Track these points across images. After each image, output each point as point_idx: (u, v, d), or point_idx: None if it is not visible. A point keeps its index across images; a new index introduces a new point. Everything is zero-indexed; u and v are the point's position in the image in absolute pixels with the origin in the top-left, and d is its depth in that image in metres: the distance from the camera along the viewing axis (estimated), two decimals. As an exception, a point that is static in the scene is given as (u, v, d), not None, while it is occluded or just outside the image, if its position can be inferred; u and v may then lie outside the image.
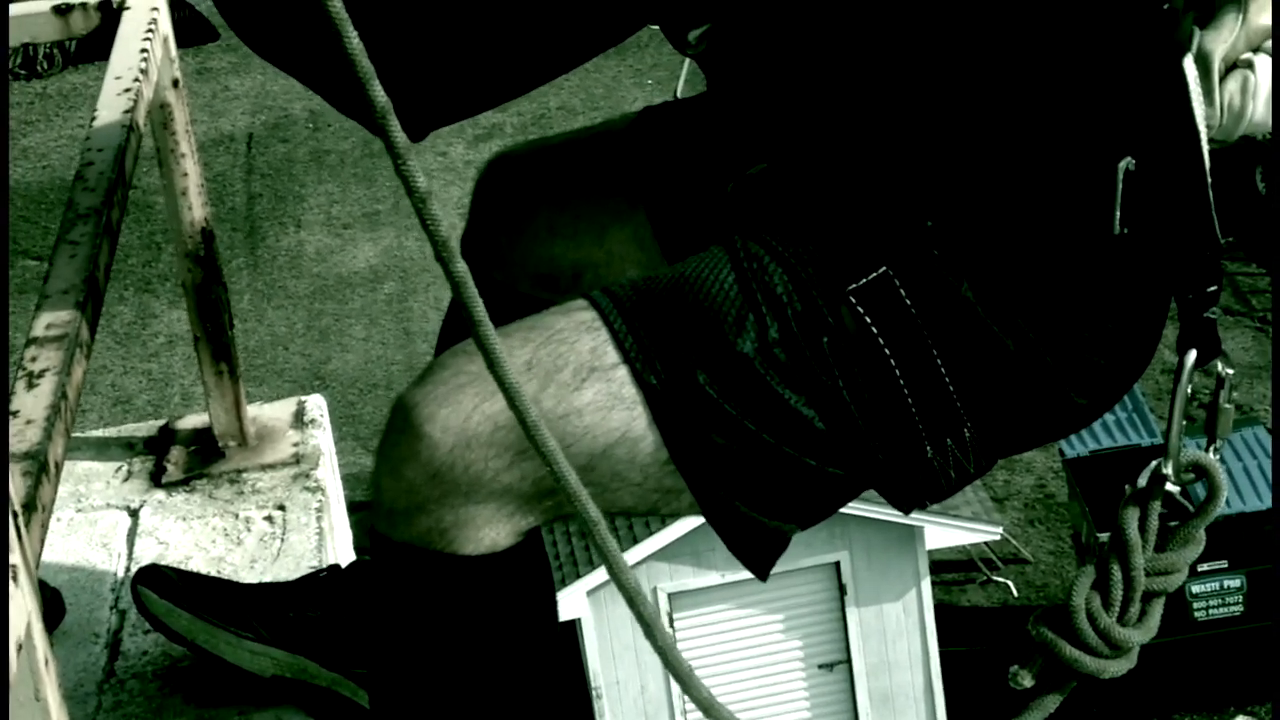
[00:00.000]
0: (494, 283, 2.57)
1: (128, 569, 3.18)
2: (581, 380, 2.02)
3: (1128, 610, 2.11)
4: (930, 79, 2.03)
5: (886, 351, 2.02)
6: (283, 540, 3.24)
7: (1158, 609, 2.13)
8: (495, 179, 2.58)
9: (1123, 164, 2.04)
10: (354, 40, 1.67)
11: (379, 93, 1.68)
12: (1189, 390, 2.13)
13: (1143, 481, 2.14)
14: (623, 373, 2.03)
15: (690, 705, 13.50)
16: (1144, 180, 2.05)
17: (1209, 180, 2.08)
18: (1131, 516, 2.13)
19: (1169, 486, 2.13)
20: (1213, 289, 2.12)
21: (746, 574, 2.25)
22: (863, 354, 2.02)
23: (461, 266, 1.76)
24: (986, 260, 2.03)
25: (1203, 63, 2.11)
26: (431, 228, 1.74)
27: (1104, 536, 4.98)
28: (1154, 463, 2.13)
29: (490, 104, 2.07)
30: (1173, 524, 2.14)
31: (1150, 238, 2.07)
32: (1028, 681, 2.13)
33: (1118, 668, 2.11)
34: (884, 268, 2.03)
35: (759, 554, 2.11)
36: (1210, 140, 2.12)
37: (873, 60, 2.04)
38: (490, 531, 2.06)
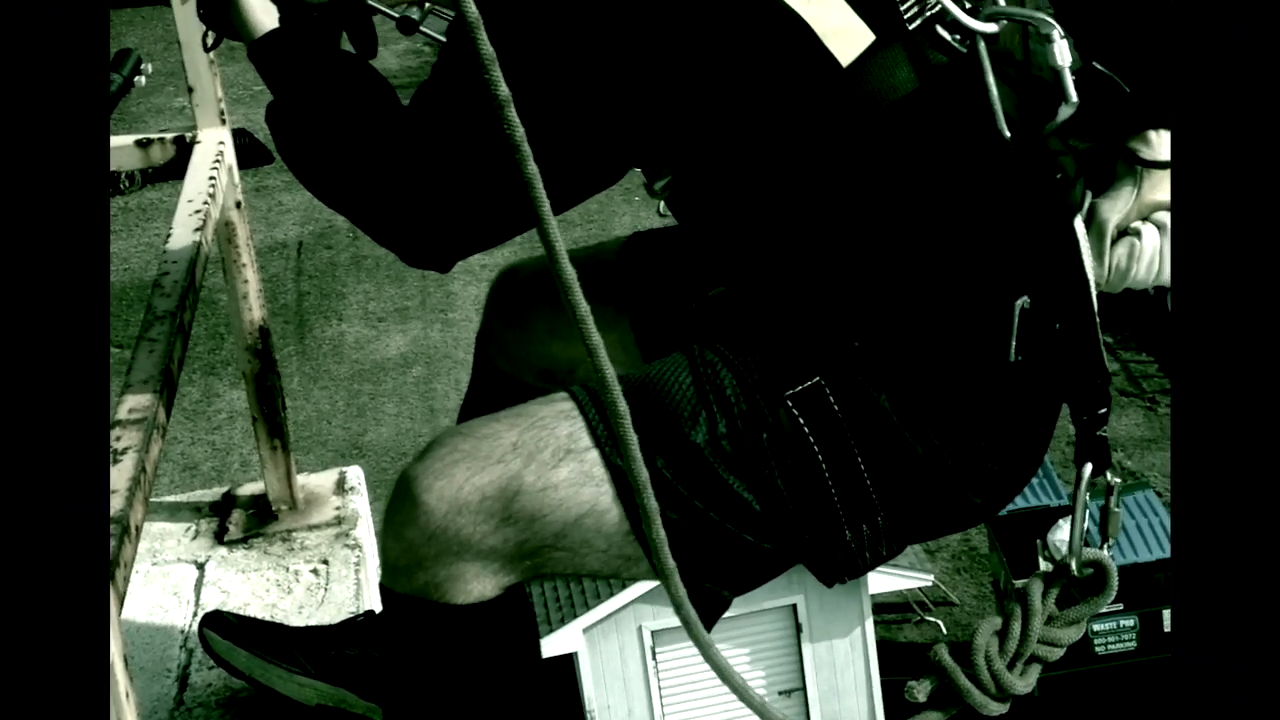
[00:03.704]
0: (501, 373, 2.59)
1: (195, 614, 3.19)
2: (559, 460, 2.03)
3: (1016, 663, 2.12)
4: (853, 230, 2.03)
5: (815, 448, 2.03)
6: (326, 590, 3.24)
7: (1035, 673, 2.13)
8: (506, 287, 2.60)
9: (1019, 302, 2.04)
10: (502, 88, 1.83)
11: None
12: (1087, 497, 2.12)
13: (1051, 566, 2.14)
14: (594, 455, 2.04)
15: (670, 726, 13.47)
16: (1037, 317, 2.05)
17: (1097, 321, 2.07)
18: (1038, 588, 2.14)
19: (1070, 574, 2.13)
20: (1103, 411, 2.11)
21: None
22: (796, 449, 2.03)
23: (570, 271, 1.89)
24: (902, 377, 2.04)
25: (1098, 229, 2.10)
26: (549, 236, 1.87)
27: (1020, 583, 4.99)
28: (1063, 555, 2.13)
29: (506, 238, 2.09)
30: (1059, 597, 2.14)
31: (1042, 366, 2.07)
32: (921, 696, 2.12)
33: (996, 708, 2.10)
34: (817, 378, 2.04)
35: (702, 612, 2.10)
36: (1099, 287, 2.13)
37: (804, 211, 2.04)
38: (478, 585, 2.06)
